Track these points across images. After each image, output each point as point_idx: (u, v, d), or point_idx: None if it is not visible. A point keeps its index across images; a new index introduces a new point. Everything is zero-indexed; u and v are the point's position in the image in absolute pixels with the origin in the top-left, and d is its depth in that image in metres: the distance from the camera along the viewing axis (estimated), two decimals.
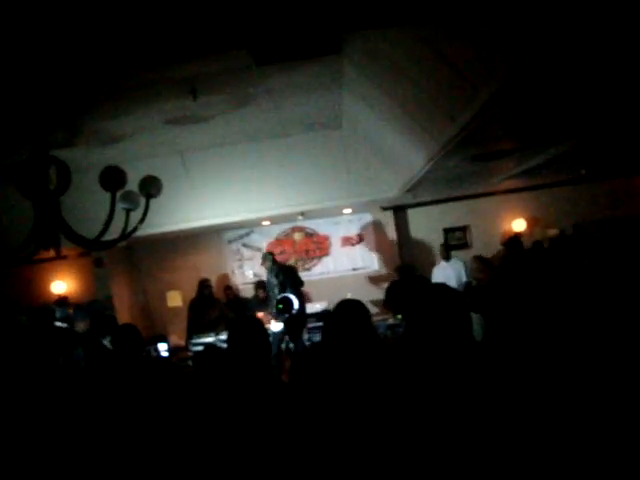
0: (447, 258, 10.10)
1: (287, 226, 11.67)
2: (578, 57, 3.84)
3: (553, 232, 11.18)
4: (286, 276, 9.37)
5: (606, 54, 3.88)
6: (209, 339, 8.66)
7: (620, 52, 3.89)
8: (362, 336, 3.18)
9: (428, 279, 8.03)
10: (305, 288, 11.14)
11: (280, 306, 6.79)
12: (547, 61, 3.73)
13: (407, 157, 7.38)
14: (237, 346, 3.10)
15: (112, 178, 4.80)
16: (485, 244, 10.88)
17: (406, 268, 10.59)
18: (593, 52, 3.80)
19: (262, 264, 10.10)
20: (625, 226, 9.70)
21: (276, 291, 9.14)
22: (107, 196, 4.87)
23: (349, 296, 3.72)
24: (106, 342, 6.74)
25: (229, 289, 11.04)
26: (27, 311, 8.91)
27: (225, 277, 11.63)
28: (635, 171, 10.59)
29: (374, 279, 11.26)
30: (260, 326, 3.23)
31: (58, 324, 7.59)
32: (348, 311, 3.29)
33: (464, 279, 9.91)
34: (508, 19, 3.46)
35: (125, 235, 5.26)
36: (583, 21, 3.22)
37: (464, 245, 11.45)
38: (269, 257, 9.96)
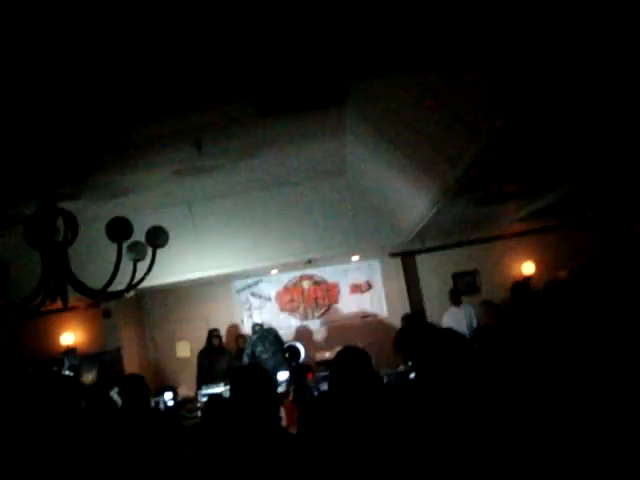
0: (457, 303, 10.06)
1: (295, 274, 11.67)
2: (575, 103, 3.90)
3: (563, 274, 11.11)
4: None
5: (604, 99, 3.94)
6: (218, 389, 8.59)
7: (618, 99, 3.94)
8: (361, 383, 3.15)
9: (435, 326, 8.00)
10: (316, 336, 11.12)
11: (287, 355, 6.77)
12: (543, 107, 3.79)
13: (412, 203, 7.42)
14: (241, 396, 3.07)
15: (118, 229, 4.85)
16: (495, 288, 10.81)
17: (412, 316, 10.53)
18: (592, 97, 3.85)
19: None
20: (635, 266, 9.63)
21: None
22: (114, 247, 4.92)
23: (359, 343, 3.71)
24: (113, 394, 6.73)
25: (241, 337, 10.98)
26: (32, 362, 8.91)
27: (234, 327, 11.59)
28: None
29: (384, 326, 11.19)
30: (265, 374, 3.21)
31: (66, 373, 7.58)
32: (349, 359, 3.28)
33: (475, 324, 9.85)
34: (504, 66, 3.53)
35: (132, 285, 5.28)
36: (578, 69, 3.29)
37: (474, 290, 11.38)
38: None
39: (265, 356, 9.69)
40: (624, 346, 3.62)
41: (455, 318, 9.85)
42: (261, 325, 10.16)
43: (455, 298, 10.11)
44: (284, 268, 10.96)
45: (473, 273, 11.62)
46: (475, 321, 9.75)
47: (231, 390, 3.18)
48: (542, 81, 3.42)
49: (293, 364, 6.85)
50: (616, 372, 3.32)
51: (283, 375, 7.05)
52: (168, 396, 7.78)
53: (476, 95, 3.99)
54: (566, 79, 3.45)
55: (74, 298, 4.93)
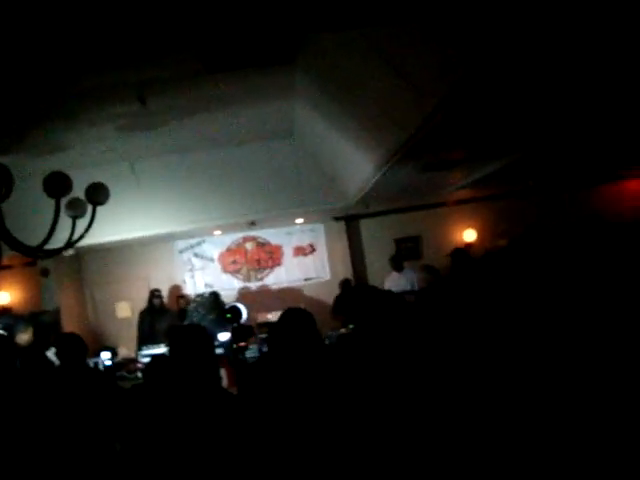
0: (399, 269, 10.14)
1: (239, 236, 11.59)
2: (523, 71, 3.91)
3: (503, 242, 11.32)
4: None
5: (553, 68, 3.96)
6: (159, 350, 8.50)
7: (566, 69, 3.97)
8: (308, 343, 3.15)
9: (378, 288, 8.07)
10: (258, 298, 11.08)
11: (229, 315, 6.73)
12: (494, 73, 3.78)
13: (358, 167, 7.41)
14: (181, 356, 3.03)
15: (57, 184, 4.69)
16: (436, 254, 10.94)
17: (349, 282, 10.64)
18: (541, 66, 3.87)
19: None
20: (571, 236, 9.88)
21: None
22: (52, 203, 4.77)
23: (302, 306, 3.69)
24: (50, 354, 6.59)
25: (182, 298, 10.88)
26: None
27: (176, 287, 11.48)
28: (581, 184, 10.84)
29: (327, 289, 11.24)
30: (204, 334, 3.17)
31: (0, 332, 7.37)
32: (293, 319, 3.26)
33: (416, 288, 9.98)
34: (456, 28, 3.50)
35: (70, 243, 5.15)
36: (530, 32, 3.28)
37: (416, 255, 11.50)
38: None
39: (204, 323, 9.62)
40: (556, 314, 3.72)
41: (396, 283, 9.95)
42: (201, 295, 10.01)
43: (396, 264, 10.19)
44: (227, 229, 10.88)
45: (416, 239, 11.75)
46: (416, 285, 9.87)
47: (170, 350, 3.14)
48: (493, 47, 3.41)
49: (234, 325, 6.83)
50: (544, 338, 3.41)
51: (224, 336, 7.00)
52: (105, 356, 7.63)
53: (426, 58, 3.97)
54: (517, 46, 3.44)
55: (9, 256, 4.77)
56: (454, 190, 9.90)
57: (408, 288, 9.78)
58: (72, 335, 4.87)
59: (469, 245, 11.22)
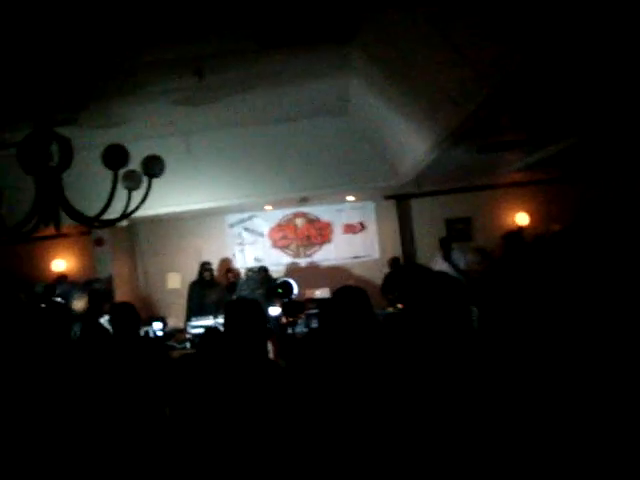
0: (446, 254, 9.87)
1: (289, 212, 11.64)
2: (588, 53, 3.80)
3: (556, 228, 11.12)
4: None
5: (618, 50, 3.84)
6: (208, 322, 8.64)
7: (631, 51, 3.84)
8: (363, 322, 3.15)
9: (428, 268, 8.01)
10: (306, 274, 11.13)
11: (280, 290, 6.78)
12: (556, 55, 3.68)
13: (412, 146, 7.34)
14: (235, 329, 3.08)
15: (115, 156, 4.78)
16: (487, 237, 10.82)
17: (399, 261, 10.57)
18: (604, 48, 3.76)
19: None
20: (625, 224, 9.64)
21: None
22: (109, 175, 4.86)
23: (350, 283, 3.68)
24: (103, 321, 6.75)
25: (230, 272, 11.01)
26: (26, 288, 8.93)
27: (226, 261, 11.60)
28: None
29: (375, 267, 11.22)
30: (258, 309, 3.21)
31: (57, 300, 7.58)
32: (349, 297, 3.26)
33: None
34: (520, 9, 3.42)
35: (126, 214, 5.24)
36: (593, 16, 3.19)
37: (466, 237, 11.38)
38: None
39: (253, 296, 9.70)
40: (609, 302, 3.64)
41: (442, 266, 9.86)
42: (252, 270, 10.08)
43: (445, 248, 9.95)
44: (278, 204, 10.92)
45: (467, 220, 11.61)
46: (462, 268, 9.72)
47: (225, 321, 3.19)
48: (557, 27, 3.33)
49: (285, 300, 6.87)
50: (600, 327, 3.34)
51: (274, 310, 7.06)
52: (157, 326, 7.82)
53: (488, 37, 3.88)
54: (582, 27, 3.35)
55: (66, 225, 4.89)
56: (508, 172, 9.74)
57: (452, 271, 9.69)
58: (126, 304, 4.97)
59: (521, 229, 11.04)
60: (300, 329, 7.10)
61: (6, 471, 2.98)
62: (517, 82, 4.05)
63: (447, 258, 9.65)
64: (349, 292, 3.32)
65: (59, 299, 7.83)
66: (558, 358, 3.07)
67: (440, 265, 9.73)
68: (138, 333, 5.02)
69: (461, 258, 9.64)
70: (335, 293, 3.34)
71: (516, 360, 2.89)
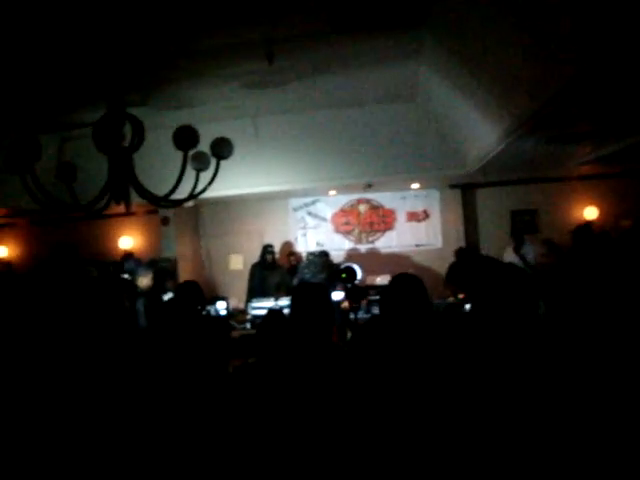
0: (518, 246, 9.67)
1: (353, 197, 11.63)
2: None
3: (626, 223, 10.80)
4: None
5: None
6: (268, 304, 8.72)
7: None
8: (417, 310, 3.15)
9: (496, 259, 7.89)
10: (368, 260, 11.12)
11: (344, 275, 6.78)
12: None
13: (481, 135, 7.22)
14: (302, 312, 3.09)
15: (185, 137, 4.85)
16: (554, 230, 10.60)
17: (464, 251, 10.42)
18: None
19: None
20: None
21: None
22: (178, 155, 4.94)
23: (411, 272, 3.67)
24: (166, 298, 6.91)
25: (292, 255, 11.08)
26: (97, 263, 9.21)
27: (288, 244, 11.69)
28: None
29: (437, 257, 11.12)
30: (325, 293, 3.22)
31: (125, 276, 7.78)
32: (404, 285, 3.26)
33: (533, 262, 9.68)
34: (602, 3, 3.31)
35: (193, 195, 5.32)
36: None
37: (532, 229, 11.17)
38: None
39: (314, 281, 9.73)
40: None
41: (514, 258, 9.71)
42: (314, 254, 10.11)
43: (517, 240, 9.75)
44: (343, 190, 10.92)
45: (533, 212, 11.40)
46: (533, 260, 9.55)
47: (292, 304, 3.21)
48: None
49: (349, 285, 6.86)
50: None
51: (338, 295, 7.06)
52: (221, 305, 7.94)
53: (566, 25, 3.77)
54: None
55: (135, 204, 4.99)
56: (577, 165, 9.48)
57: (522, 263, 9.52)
58: (192, 282, 5.06)
59: (590, 223, 10.76)
60: (361, 315, 7.09)
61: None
62: (596, 72, 3.92)
63: (518, 250, 9.48)
64: (404, 280, 3.32)
65: (126, 275, 8.04)
66: (624, 354, 2.99)
67: (511, 257, 9.59)
68: (202, 311, 5.11)
69: (530, 251, 9.46)
70: (391, 281, 3.35)
71: (582, 355, 2.82)
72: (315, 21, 5.05)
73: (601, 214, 11.06)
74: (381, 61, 6.52)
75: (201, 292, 4.80)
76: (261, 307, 8.58)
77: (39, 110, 7.08)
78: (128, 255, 10.96)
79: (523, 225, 11.15)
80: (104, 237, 11.50)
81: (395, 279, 3.41)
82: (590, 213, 11.09)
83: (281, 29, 5.28)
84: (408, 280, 3.37)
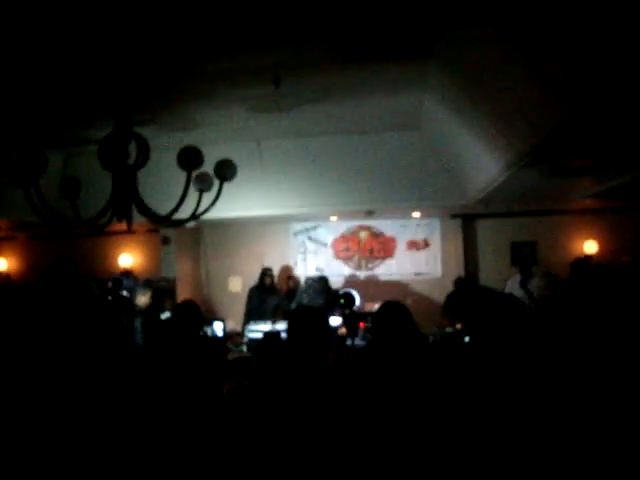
0: (524, 282, 9.63)
1: (354, 224, 11.67)
2: None
3: (626, 258, 10.81)
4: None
5: None
6: (265, 327, 8.71)
7: None
8: (401, 335, 3.20)
9: (495, 291, 7.89)
10: (366, 287, 11.14)
11: (342, 301, 6.79)
12: None
13: (484, 166, 7.26)
14: (298, 335, 3.09)
15: (189, 157, 4.88)
16: (553, 262, 10.61)
17: (465, 280, 10.43)
18: None
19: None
20: None
21: None
22: (181, 175, 4.97)
23: (409, 301, 3.73)
24: (164, 317, 6.90)
25: (291, 278, 11.10)
26: (97, 279, 9.22)
27: (287, 268, 11.70)
28: None
29: (436, 286, 11.13)
30: (323, 317, 3.23)
31: (124, 293, 7.78)
32: (388, 313, 3.32)
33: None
34: (606, 31, 3.36)
35: (195, 215, 5.35)
36: None
37: (531, 261, 11.13)
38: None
39: (313, 305, 9.73)
40: None
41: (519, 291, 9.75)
42: (313, 278, 10.11)
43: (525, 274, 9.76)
44: (344, 216, 10.97)
45: (532, 244, 11.42)
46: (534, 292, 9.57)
47: (290, 327, 3.21)
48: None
49: (347, 311, 6.88)
50: None
51: (335, 321, 7.06)
52: (218, 326, 7.92)
53: (570, 60, 3.82)
54: None
55: (136, 222, 5.01)
56: (579, 198, 9.52)
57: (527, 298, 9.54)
58: (191, 302, 5.02)
59: (589, 257, 10.78)
60: (358, 341, 7.09)
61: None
62: (598, 107, 3.96)
63: (525, 284, 9.34)
64: (388, 308, 3.38)
65: (125, 293, 8.04)
66: (623, 388, 3.00)
67: (516, 291, 9.59)
68: (200, 331, 5.09)
69: (534, 284, 9.46)
70: (378, 309, 3.42)
71: (579, 387, 2.83)
72: (323, 48, 5.10)
73: (601, 248, 11.08)
74: (386, 90, 6.58)
75: (200, 313, 4.79)
76: (258, 330, 8.57)
77: (45, 125, 7.14)
78: (127, 273, 10.97)
79: (522, 257, 11.15)
80: (104, 254, 11.53)
81: (380, 308, 3.50)
82: (590, 247, 11.11)
83: (290, 56, 5.34)
84: (392, 308, 3.45)
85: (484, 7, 3.76)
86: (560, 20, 3.46)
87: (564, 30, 3.60)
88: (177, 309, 4.78)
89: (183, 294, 10.68)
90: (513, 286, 9.73)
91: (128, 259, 11.46)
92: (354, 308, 6.91)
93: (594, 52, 3.56)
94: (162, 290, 8.35)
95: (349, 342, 6.47)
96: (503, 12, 3.59)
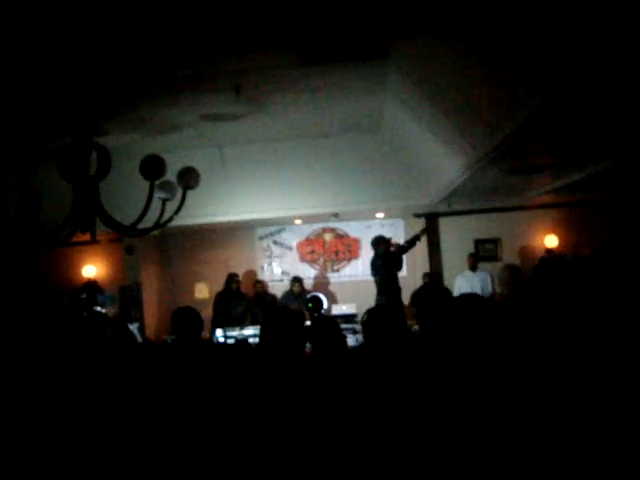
0: (474, 268, 10.21)
1: (318, 226, 11.68)
2: (623, 79, 3.80)
3: (586, 251, 11.03)
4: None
5: None
6: (233, 333, 8.70)
7: None
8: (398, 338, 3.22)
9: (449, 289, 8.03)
10: (333, 289, 11.18)
11: (310, 305, 6.82)
12: (595, 81, 3.70)
13: (445, 165, 7.36)
14: (272, 336, 3.08)
15: (152, 167, 4.86)
16: (515, 258, 10.79)
17: (430, 276, 10.64)
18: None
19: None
20: None
21: None
22: (144, 184, 4.94)
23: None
24: (132, 328, 6.84)
25: (259, 283, 11.07)
26: (68, 293, 9.06)
27: (253, 273, 11.67)
28: None
29: (402, 284, 11.20)
30: (299, 319, 3.22)
31: (97, 309, 7.67)
32: (383, 316, 3.34)
33: (489, 290, 9.92)
34: (557, 36, 3.44)
35: (160, 224, 5.32)
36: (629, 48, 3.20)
37: (494, 257, 11.35)
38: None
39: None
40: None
41: (471, 282, 10.00)
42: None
43: (474, 262, 10.27)
44: (308, 219, 10.98)
45: (495, 241, 11.57)
46: (490, 287, 9.86)
47: (263, 329, 3.19)
48: (592, 57, 3.34)
49: (315, 315, 6.92)
50: (628, 357, 3.32)
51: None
52: None
53: (524, 63, 3.90)
54: (614, 57, 3.36)
55: (98, 232, 4.97)
56: (539, 194, 9.69)
57: (478, 289, 9.75)
58: (190, 308, 4.80)
59: (550, 251, 10.98)
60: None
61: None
62: (555, 107, 4.05)
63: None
64: (382, 311, 3.40)
65: (99, 308, 7.91)
66: (584, 385, 3.06)
67: (469, 279, 9.90)
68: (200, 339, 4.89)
69: (484, 278, 9.80)
70: (368, 313, 3.43)
71: (541, 381, 2.89)
72: (283, 54, 5.12)
73: (561, 242, 11.27)
74: (346, 92, 6.62)
75: (200, 318, 4.59)
76: (226, 336, 8.55)
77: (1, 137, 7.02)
78: (90, 283, 10.80)
79: (486, 253, 11.34)
80: (67, 265, 11.32)
81: (369, 312, 3.51)
82: (551, 241, 11.29)
83: (249, 62, 5.34)
84: (385, 311, 3.47)
85: (437, 15, 3.82)
86: (513, 25, 3.54)
87: (517, 34, 3.68)
88: (176, 316, 4.61)
89: (149, 302, 10.59)
90: (464, 282, 10.04)
91: (92, 269, 11.29)
92: (322, 311, 6.93)
93: (548, 55, 3.65)
94: (130, 300, 8.26)
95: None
96: (457, 20, 3.65)
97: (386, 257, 9.48)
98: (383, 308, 3.50)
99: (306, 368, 3.11)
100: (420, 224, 11.45)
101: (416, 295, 4.86)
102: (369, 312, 3.44)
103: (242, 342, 3.74)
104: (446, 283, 10.88)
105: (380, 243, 9.58)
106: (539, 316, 4.56)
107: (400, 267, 9.89)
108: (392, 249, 9.56)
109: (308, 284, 11.27)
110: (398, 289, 9.42)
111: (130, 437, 3.05)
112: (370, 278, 11.54)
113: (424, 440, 2.68)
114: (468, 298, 3.54)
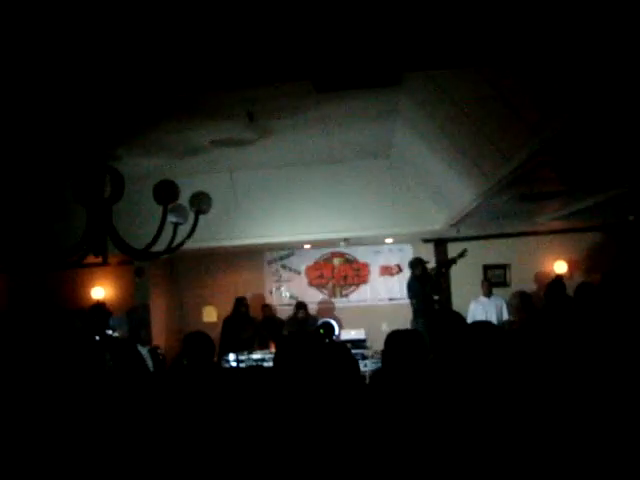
0: (489, 294, 10.15)
1: (327, 251, 11.69)
2: (635, 108, 3.82)
3: (596, 277, 10.97)
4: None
5: None
6: (241, 357, 8.67)
7: None
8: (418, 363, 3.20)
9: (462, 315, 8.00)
10: (339, 314, 11.16)
11: (322, 331, 6.82)
12: (607, 111, 3.72)
13: (455, 192, 7.37)
14: (293, 362, 3.06)
15: (165, 191, 4.91)
16: (525, 284, 10.73)
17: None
18: None
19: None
20: None
21: None
22: (155, 208, 4.97)
23: (384, 326, 3.77)
24: (142, 350, 6.84)
25: (267, 307, 11.06)
26: (81, 315, 9.03)
27: (261, 297, 11.66)
28: None
29: (410, 310, 11.17)
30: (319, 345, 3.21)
31: (109, 332, 7.64)
32: (403, 341, 3.33)
33: (505, 317, 9.88)
34: (570, 69, 3.47)
35: (171, 248, 5.35)
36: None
37: (503, 283, 11.32)
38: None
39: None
40: None
41: (485, 309, 9.95)
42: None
43: (488, 289, 10.20)
44: (318, 244, 10.99)
45: (504, 267, 11.54)
46: (506, 313, 9.81)
47: (279, 355, 3.18)
48: (604, 88, 3.37)
49: (327, 341, 6.92)
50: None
51: None
52: None
53: (538, 93, 3.93)
54: (626, 88, 3.39)
55: (108, 254, 4.99)
56: (548, 220, 9.68)
57: (496, 315, 9.73)
58: (202, 333, 4.80)
59: (560, 277, 10.94)
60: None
61: None
62: (568, 137, 4.07)
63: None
64: (402, 336, 3.38)
65: (111, 332, 7.88)
66: (598, 412, 3.05)
67: (484, 305, 9.84)
68: (213, 364, 4.85)
69: (499, 304, 9.73)
70: (390, 337, 3.42)
71: (555, 408, 2.88)
72: (298, 82, 5.17)
73: (570, 268, 11.23)
74: (358, 118, 6.66)
75: (212, 343, 4.58)
76: (235, 360, 8.53)
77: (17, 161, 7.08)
78: (99, 305, 10.79)
79: (495, 279, 11.30)
80: (76, 286, 11.34)
81: (391, 335, 3.49)
82: (560, 267, 11.26)
83: (262, 90, 5.38)
84: (406, 336, 3.45)
85: (448, 49, 3.86)
86: (527, 56, 3.57)
87: (530, 66, 3.71)
88: (187, 341, 4.60)
89: (157, 324, 10.59)
90: (478, 308, 9.99)
91: (100, 292, 11.31)
92: (334, 337, 6.92)
93: (561, 85, 3.67)
94: (138, 322, 8.25)
95: None
96: (470, 52, 3.69)
97: (423, 279, 9.43)
98: (404, 333, 3.46)
99: (324, 393, 3.10)
100: (429, 249, 11.46)
101: (430, 322, 4.89)
102: (390, 336, 3.43)
103: (257, 367, 3.73)
104: (455, 309, 10.83)
105: (417, 265, 9.55)
106: (552, 343, 4.55)
107: (438, 291, 9.78)
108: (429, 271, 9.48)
109: (314, 309, 11.26)
110: (435, 313, 9.35)
111: (143, 463, 3.04)
112: (378, 303, 11.55)
113: (436, 468, 2.67)
114: (481, 326, 3.54)
